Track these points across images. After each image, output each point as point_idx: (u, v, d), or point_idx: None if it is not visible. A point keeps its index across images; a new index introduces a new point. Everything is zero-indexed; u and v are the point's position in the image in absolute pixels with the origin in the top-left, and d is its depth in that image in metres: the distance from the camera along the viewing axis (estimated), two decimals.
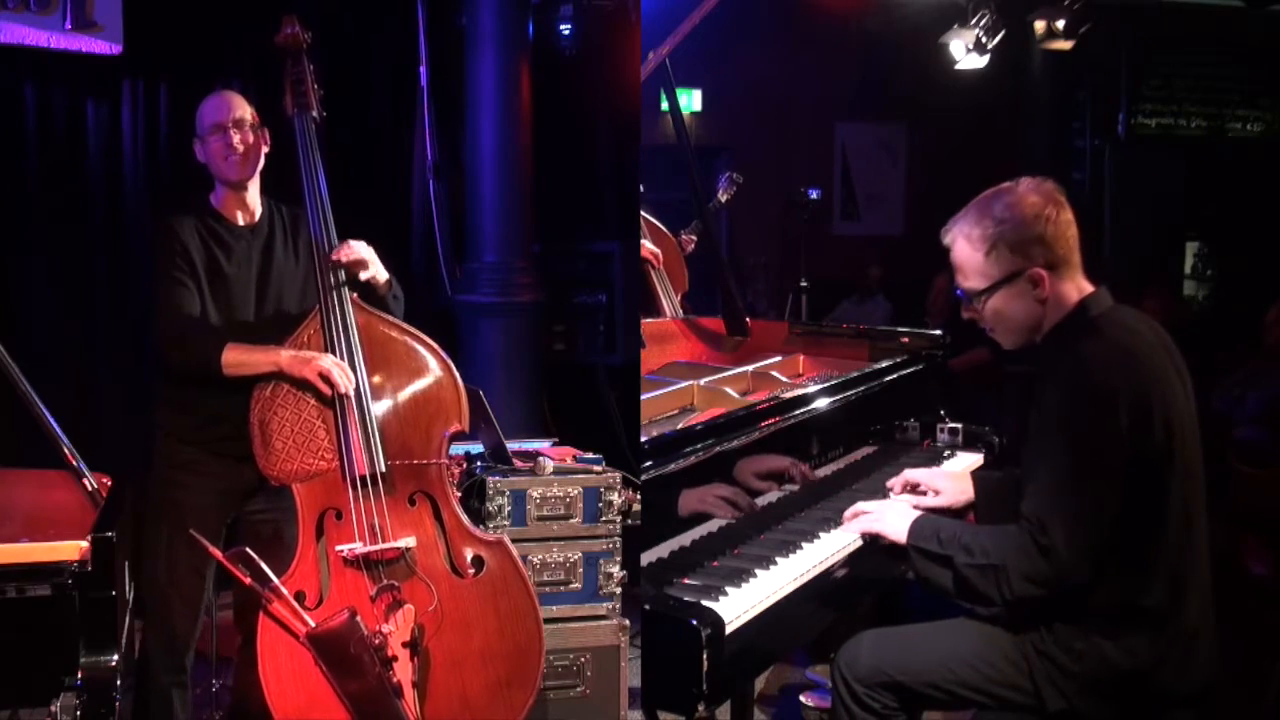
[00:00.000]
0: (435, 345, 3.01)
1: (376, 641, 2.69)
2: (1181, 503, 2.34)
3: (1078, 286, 2.46)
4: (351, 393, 2.87)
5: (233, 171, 3.04)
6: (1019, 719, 2.44)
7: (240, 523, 3.10)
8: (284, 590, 2.73)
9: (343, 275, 2.97)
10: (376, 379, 2.94)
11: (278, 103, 3.10)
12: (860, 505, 2.69)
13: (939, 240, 2.56)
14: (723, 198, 5.53)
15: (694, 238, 4.63)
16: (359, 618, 2.71)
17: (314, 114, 3.08)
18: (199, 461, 3.03)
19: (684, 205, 5.30)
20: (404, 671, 2.72)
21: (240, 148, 3.02)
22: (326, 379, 2.84)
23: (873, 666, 2.51)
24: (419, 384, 2.98)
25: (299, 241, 3.12)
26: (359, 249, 2.99)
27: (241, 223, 3.10)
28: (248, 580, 2.71)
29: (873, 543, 2.65)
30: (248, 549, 2.74)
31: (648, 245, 4.17)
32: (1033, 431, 2.38)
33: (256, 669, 2.72)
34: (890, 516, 2.59)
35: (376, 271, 3.03)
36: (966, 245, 2.48)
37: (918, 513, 2.58)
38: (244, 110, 3.06)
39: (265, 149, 3.09)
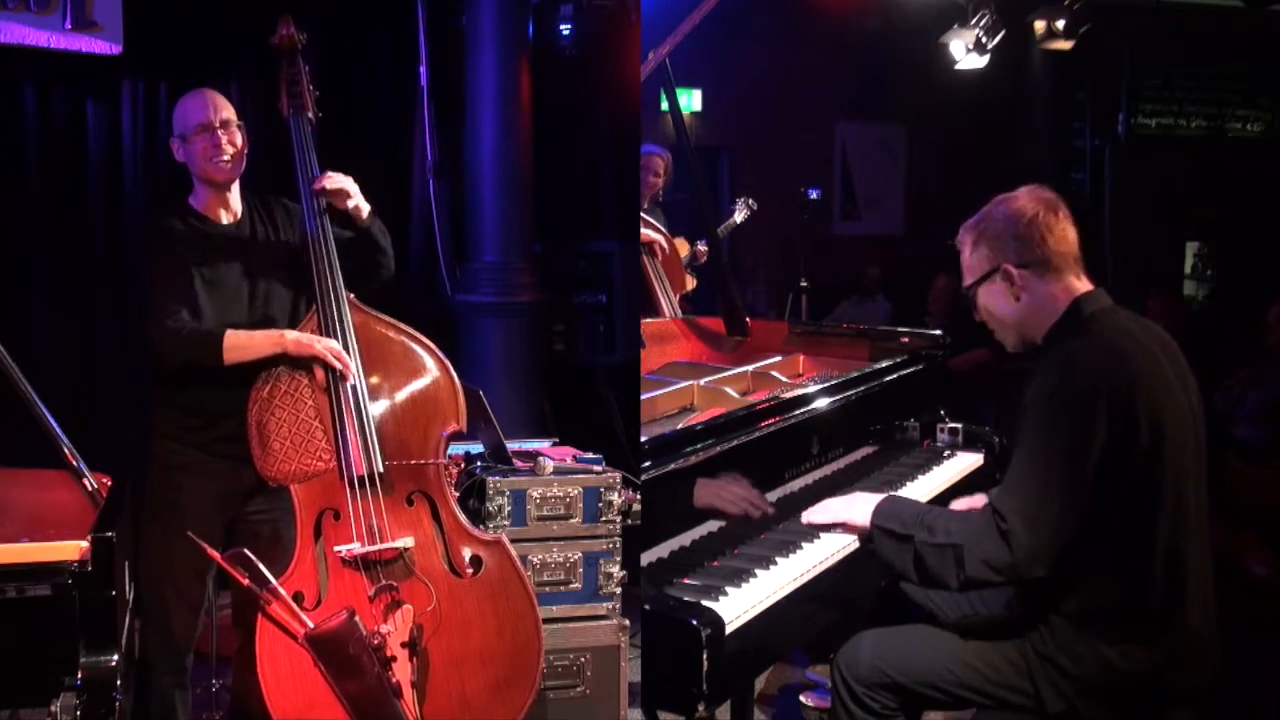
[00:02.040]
0: (432, 345, 3.01)
1: (375, 642, 2.69)
2: (1175, 503, 2.34)
3: (1066, 288, 2.47)
4: (353, 377, 2.87)
5: (220, 173, 3.02)
6: (1019, 719, 2.44)
7: (239, 523, 3.08)
8: (282, 591, 2.73)
9: (324, 203, 3.01)
10: (374, 379, 2.94)
11: (275, 103, 3.10)
12: (823, 503, 2.70)
13: (939, 240, 2.60)
14: (738, 219, 5.62)
15: (706, 249, 4.65)
16: (358, 618, 2.71)
17: (309, 115, 3.08)
18: (196, 462, 3.02)
19: (683, 206, 5.31)
20: (403, 672, 2.72)
21: (229, 149, 3.00)
22: (338, 357, 2.84)
23: (872, 666, 2.51)
24: (416, 384, 2.97)
25: (279, 230, 3.11)
26: (339, 179, 3.01)
27: (225, 222, 3.08)
28: (246, 581, 2.71)
29: (870, 542, 2.65)
30: (245, 550, 2.74)
31: (649, 234, 4.17)
32: (1018, 425, 2.40)
33: (255, 670, 2.72)
34: (854, 503, 2.60)
35: (359, 201, 3.05)
36: (963, 244, 2.58)
37: (880, 497, 2.59)
38: (228, 110, 3.03)
39: (245, 148, 3.08)
